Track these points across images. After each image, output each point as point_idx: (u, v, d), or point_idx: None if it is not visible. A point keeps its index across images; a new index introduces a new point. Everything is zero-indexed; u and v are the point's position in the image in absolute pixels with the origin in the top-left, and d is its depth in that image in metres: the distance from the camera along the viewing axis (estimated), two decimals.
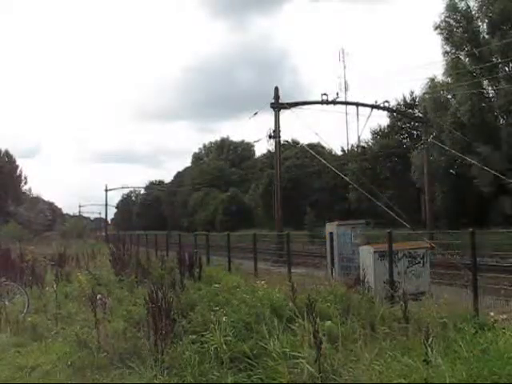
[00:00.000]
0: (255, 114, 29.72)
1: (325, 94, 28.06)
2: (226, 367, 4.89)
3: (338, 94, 28.83)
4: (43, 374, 5.76)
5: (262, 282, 9.50)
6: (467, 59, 32.28)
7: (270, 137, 28.10)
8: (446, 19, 32.41)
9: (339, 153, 46.91)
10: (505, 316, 7.17)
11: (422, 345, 4.48)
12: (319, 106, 28.39)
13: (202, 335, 5.65)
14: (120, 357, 5.73)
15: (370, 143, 45.04)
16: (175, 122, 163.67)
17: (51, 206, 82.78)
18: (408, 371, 4.36)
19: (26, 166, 64.03)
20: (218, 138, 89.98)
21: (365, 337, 5.31)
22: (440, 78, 34.00)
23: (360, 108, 29.37)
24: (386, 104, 30.73)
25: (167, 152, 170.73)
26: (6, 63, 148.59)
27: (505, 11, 28.65)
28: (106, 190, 69.37)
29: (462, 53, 32.55)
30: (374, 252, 10.61)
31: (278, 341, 5.14)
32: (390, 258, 9.91)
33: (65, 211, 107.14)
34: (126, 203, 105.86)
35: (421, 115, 34.07)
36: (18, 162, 63.84)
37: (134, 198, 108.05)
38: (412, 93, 42.14)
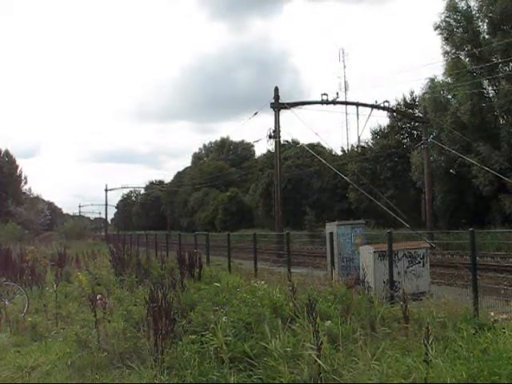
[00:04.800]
0: (255, 114, 29.77)
1: (325, 94, 28.12)
2: (227, 367, 4.89)
3: (337, 93, 28.96)
4: (43, 374, 5.76)
5: (262, 281, 9.50)
6: (467, 59, 32.25)
7: (270, 137, 28.11)
8: (446, 19, 32.39)
9: (339, 153, 47.01)
10: (505, 316, 7.18)
11: (421, 345, 4.47)
12: (319, 105, 28.44)
13: (202, 335, 5.64)
14: (120, 357, 5.72)
15: (370, 143, 45.02)
16: (175, 122, 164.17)
17: (51, 206, 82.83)
18: (408, 371, 4.36)
19: (25, 166, 64.05)
20: (218, 138, 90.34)
21: (365, 337, 5.30)
22: (440, 77, 34.04)
23: (360, 108, 29.45)
24: (386, 104, 30.79)
25: (167, 152, 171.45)
26: (7, 63, 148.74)
27: (505, 11, 28.61)
28: (106, 190, 69.54)
29: (462, 53, 32.51)
30: (374, 252, 10.61)
31: (279, 340, 5.14)
32: (389, 258, 9.91)
33: (65, 211, 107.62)
34: (125, 203, 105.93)
35: (421, 115, 34.07)
36: (18, 162, 63.86)
37: (134, 198, 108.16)
38: (412, 93, 42.21)
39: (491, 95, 32.00)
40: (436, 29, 32.56)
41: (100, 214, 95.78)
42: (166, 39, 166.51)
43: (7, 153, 61.37)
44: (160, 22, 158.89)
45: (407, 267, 10.70)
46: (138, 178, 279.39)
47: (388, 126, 43.88)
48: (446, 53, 32.72)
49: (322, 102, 28.15)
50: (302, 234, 35.62)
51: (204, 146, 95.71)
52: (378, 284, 9.85)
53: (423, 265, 10.93)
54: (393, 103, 37.73)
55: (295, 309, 6.34)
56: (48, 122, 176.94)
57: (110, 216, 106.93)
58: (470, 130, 30.50)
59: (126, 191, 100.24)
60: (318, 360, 4.51)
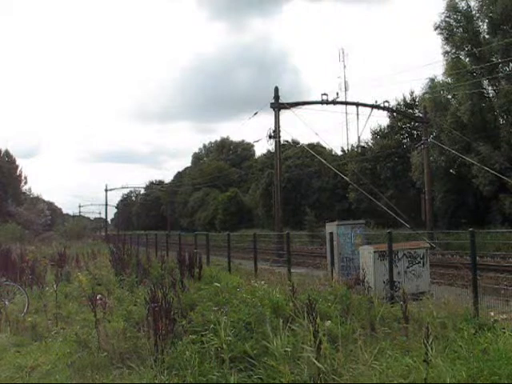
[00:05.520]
0: (255, 113, 29.71)
1: (325, 94, 28.07)
2: (227, 367, 4.89)
3: (337, 93, 28.87)
4: (43, 374, 5.75)
5: (262, 281, 9.50)
6: (467, 59, 32.25)
7: (270, 137, 28.07)
8: (447, 19, 32.39)
9: (339, 153, 46.96)
10: (505, 316, 7.18)
11: (422, 345, 4.47)
12: (319, 105, 28.39)
13: (202, 335, 5.64)
14: (120, 357, 5.72)
15: (369, 143, 45.00)
16: (175, 122, 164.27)
17: (51, 206, 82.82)
18: (408, 371, 4.36)
19: (25, 166, 64.01)
20: (218, 138, 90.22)
21: (365, 337, 5.30)
22: (440, 77, 34.04)
23: (360, 108, 29.39)
24: (386, 104, 30.73)
25: (167, 152, 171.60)
26: (7, 63, 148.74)
27: (505, 11, 28.61)
28: (106, 190, 69.52)
29: (462, 53, 32.51)
30: (374, 252, 10.61)
31: (280, 340, 5.13)
32: (389, 258, 9.91)
33: (65, 211, 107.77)
34: (125, 203, 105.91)
35: (421, 115, 34.05)
36: (18, 162, 63.84)
37: (134, 198, 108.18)
38: (412, 93, 42.16)
39: (491, 95, 32.00)
40: (436, 29, 32.60)
41: (100, 214, 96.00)
42: (166, 39, 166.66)
43: (7, 153, 61.38)
44: (160, 22, 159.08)
45: (407, 267, 10.71)
46: (137, 178, 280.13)
47: (388, 126, 43.86)
48: (446, 53, 32.74)
49: (322, 102, 28.11)
50: (302, 234, 35.61)
51: (204, 146, 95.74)
52: (378, 284, 9.85)
53: (423, 265, 10.93)
54: (393, 103, 37.74)
55: (295, 309, 6.33)
56: (48, 121, 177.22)
57: (110, 216, 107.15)
58: (469, 129, 30.48)
59: (125, 191, 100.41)
60: (317, 362, 4.51)
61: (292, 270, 12.46)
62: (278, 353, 4.89)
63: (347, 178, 34.35)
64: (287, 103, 27.79)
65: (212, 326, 5.71)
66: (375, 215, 34.94)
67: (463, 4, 32.19)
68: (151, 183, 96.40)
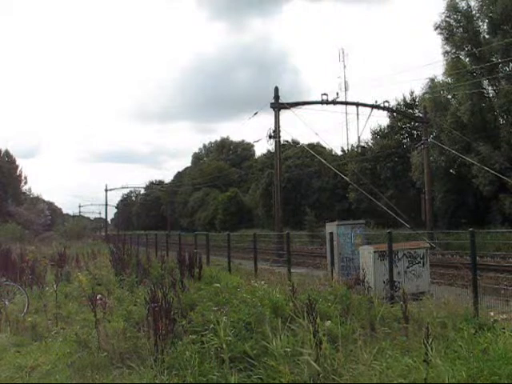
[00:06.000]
0: (255, 114, 29.70)
1: (325, 94, 28.06)
2: (227, 367, 4.88)
3: (337, 93, 28.86)
4: (43, 374, 5.75)
5: (262, 281, 9.50)
6: (467, 59, 32.25)
7: (270, 137, 28.07)
8: (447, 19, 32.39)
9: (339, 153, 46.96)
10: (505, 316, 7.19)
11: (421, 345, 4.47)
12: (319, 105, 28.38)
13: (202, 335, 5.64)
14: (120, 357, 5.72)
15: (369, 143, 44.99)
16: (175, 122, 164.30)
17: (51, 206, 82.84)
18: (408, 371, 4.36)
19: (26, 166, 64.03)
20: (218, 138, 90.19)
21: (365, 337, 5.30)
22: (440, 77, 34.04)
23: (360, 108, 29.38)
24: (386, 104, 30.73)
25: (167, 152, 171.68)
26: (7, 63, 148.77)
27: (505, 11, 28.61)
28: (106, 190, 69.52)
29: (462, 53, 32.52)
30: (374, 252, 10.61)
31: (280, 340, 5.13)
32: (389, 257, 9.91)
33: (65, 211, 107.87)
34: (125, 203, 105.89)
35: (421, 115, 34.04)
36: (18, 162, 63.88)
37: (134, 198, 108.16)
38: (412, 93, 42.14)
39: (491, 95, 32.00)
40: (436, 29, 32.61)
41: (100, 213, 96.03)
42: (166, 39, 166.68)
43: (7, 153, 61.41)
44: (160, 22, 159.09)
45: (407, 267, 10.71)
46: (137, 178, 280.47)
47: (388, 126, 43.83)
48: (446, 53, 32.75)
49: (322, 102, 28.10)
50: (302, 234, 35.61)
51: (204, 146, 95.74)
52: (378, 284, 9.85)
53: (423, 265, 10.93)
54: (393, 103, 37.73)
55: (295, 309, 6.33)
56: (48, 121, 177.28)
57: (110, 216, 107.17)
58: (469, 129, 30.48)
59: (125, 191, 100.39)
60: (314, 364, 4.51)
61: (292, 270, 12.46)
62: (277, 353, 4.89)
63: (347, 178, 34.34)
64: (287, 103, 27.78)
65: (212, 326, 5.70)
66: (375, 215, 34.94)
67: (463, 4, 32.25)
68: (151, 183, 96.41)
